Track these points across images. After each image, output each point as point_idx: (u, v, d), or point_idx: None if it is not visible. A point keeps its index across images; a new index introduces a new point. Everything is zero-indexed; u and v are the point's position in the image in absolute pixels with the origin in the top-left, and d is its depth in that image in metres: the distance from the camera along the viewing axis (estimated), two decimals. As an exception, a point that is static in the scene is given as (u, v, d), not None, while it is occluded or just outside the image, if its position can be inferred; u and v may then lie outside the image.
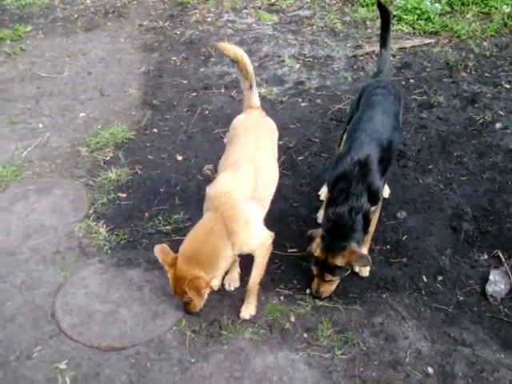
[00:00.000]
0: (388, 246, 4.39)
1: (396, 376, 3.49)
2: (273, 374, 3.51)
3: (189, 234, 3.67)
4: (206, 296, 3.69)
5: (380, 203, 4.18)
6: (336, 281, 3.96)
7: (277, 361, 3.59)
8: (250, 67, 4.15)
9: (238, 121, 4.23)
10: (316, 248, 3.81)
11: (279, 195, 4.84)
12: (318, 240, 3.81)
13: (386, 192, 4.88)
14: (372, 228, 4.20)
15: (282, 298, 4.03)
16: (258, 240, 3.67)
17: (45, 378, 3.57)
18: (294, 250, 4.40)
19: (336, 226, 3.77)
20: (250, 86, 4.25)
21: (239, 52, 4.10)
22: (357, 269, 4.17)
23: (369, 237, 4.24)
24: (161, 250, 3.66)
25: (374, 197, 3.93)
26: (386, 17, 4.67)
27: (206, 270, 3.50)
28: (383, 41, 4.76)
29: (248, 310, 3.88)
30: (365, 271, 4.20)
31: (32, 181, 5.25)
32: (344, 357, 3.61)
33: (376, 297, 4.01)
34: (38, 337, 3.83)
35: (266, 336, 3.75)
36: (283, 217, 4.66)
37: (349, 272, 3.99)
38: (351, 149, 3.92)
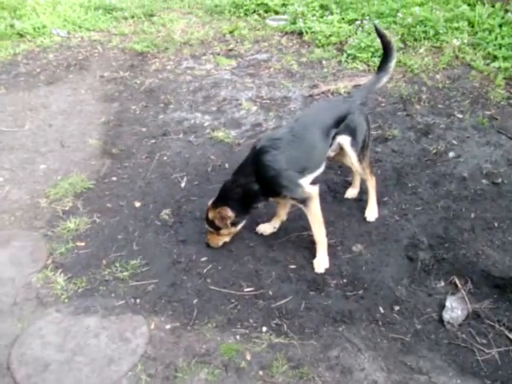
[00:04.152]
0: (344, 280, 4.41)
1: (353, 408, 3.49)
2: (230, 415, 3.49)
3: None
4: None
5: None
6: (221, 235, 4.68)
7: (234, 400, 3.58)
8: None
9: None
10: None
11: (234, 236, 4.87)
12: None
13: None
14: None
15: (237, 337, 4.01)
16: None
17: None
18: (250, 289, 4.41)
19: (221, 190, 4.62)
20: None
21: None
22: None
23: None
24: None
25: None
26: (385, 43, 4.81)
27: None
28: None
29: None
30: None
31: (-10, 234, 5.24)
32: (300, 392, 3.61)
33: (332, 330, 4.01)
34: (-8, 390, 3.79)
35: (222, 376, 3.73)
36: (239, 256, 4.68)
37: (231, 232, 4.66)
38: None
